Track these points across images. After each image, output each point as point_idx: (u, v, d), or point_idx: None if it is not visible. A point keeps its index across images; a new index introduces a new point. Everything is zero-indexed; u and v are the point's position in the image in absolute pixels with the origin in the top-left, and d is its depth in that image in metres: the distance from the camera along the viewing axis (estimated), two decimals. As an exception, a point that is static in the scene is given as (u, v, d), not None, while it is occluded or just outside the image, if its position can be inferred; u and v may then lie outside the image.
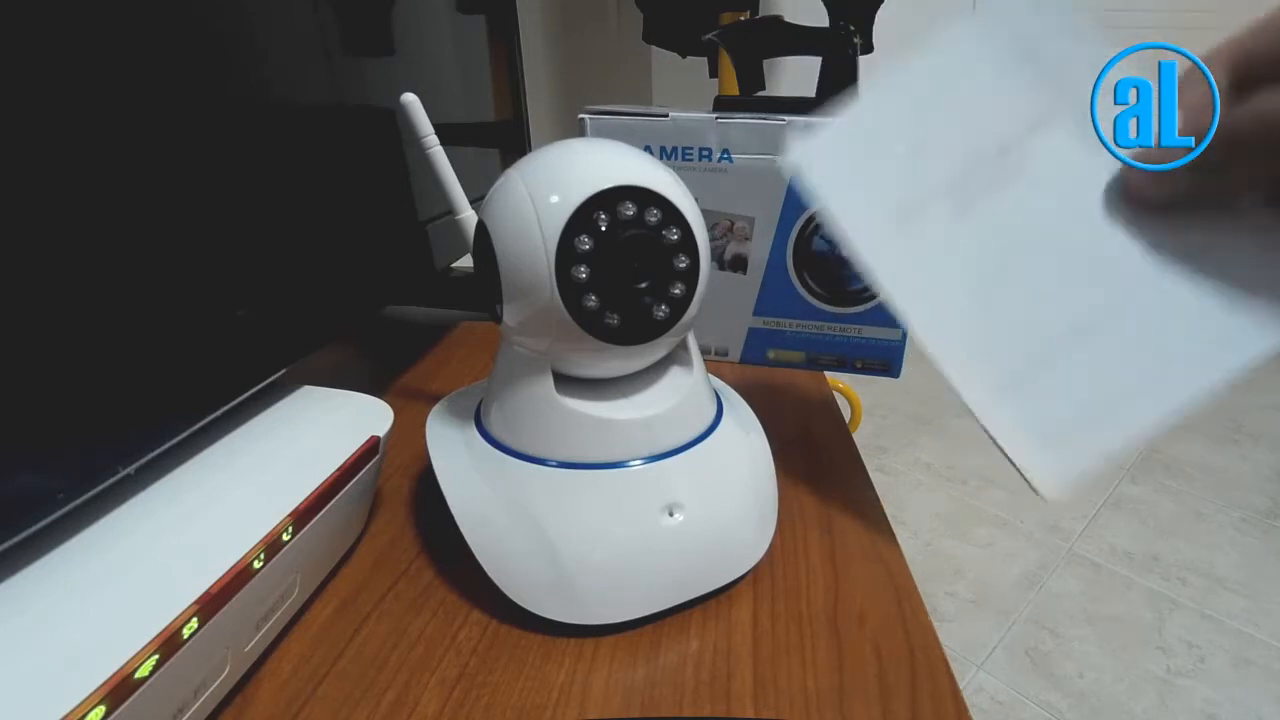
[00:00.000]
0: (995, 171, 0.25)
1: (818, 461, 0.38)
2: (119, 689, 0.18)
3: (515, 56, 0.60)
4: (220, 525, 0.24)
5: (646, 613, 0.27)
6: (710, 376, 0.33)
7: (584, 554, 0.27)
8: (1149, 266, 0.24)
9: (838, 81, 0.59)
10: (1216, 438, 1.49)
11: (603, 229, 0.25)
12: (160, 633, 0.20)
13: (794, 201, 0.43)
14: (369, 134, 0.40)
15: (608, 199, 0.25)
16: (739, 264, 0.45)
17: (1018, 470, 0.23)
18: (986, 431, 0.24)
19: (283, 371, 0.32)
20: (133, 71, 0.25)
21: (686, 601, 0.28)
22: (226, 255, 0.30)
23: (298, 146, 0.35)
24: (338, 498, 0.28)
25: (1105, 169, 0.24)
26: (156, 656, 0.19)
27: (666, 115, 0.42)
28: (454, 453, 0.30)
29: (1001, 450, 0.24)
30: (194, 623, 0.21)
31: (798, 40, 0.66)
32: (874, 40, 1.11)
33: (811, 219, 0.43)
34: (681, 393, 0.29)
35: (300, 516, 0.26)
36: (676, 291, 0.26)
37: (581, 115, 0.43)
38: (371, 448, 0.30)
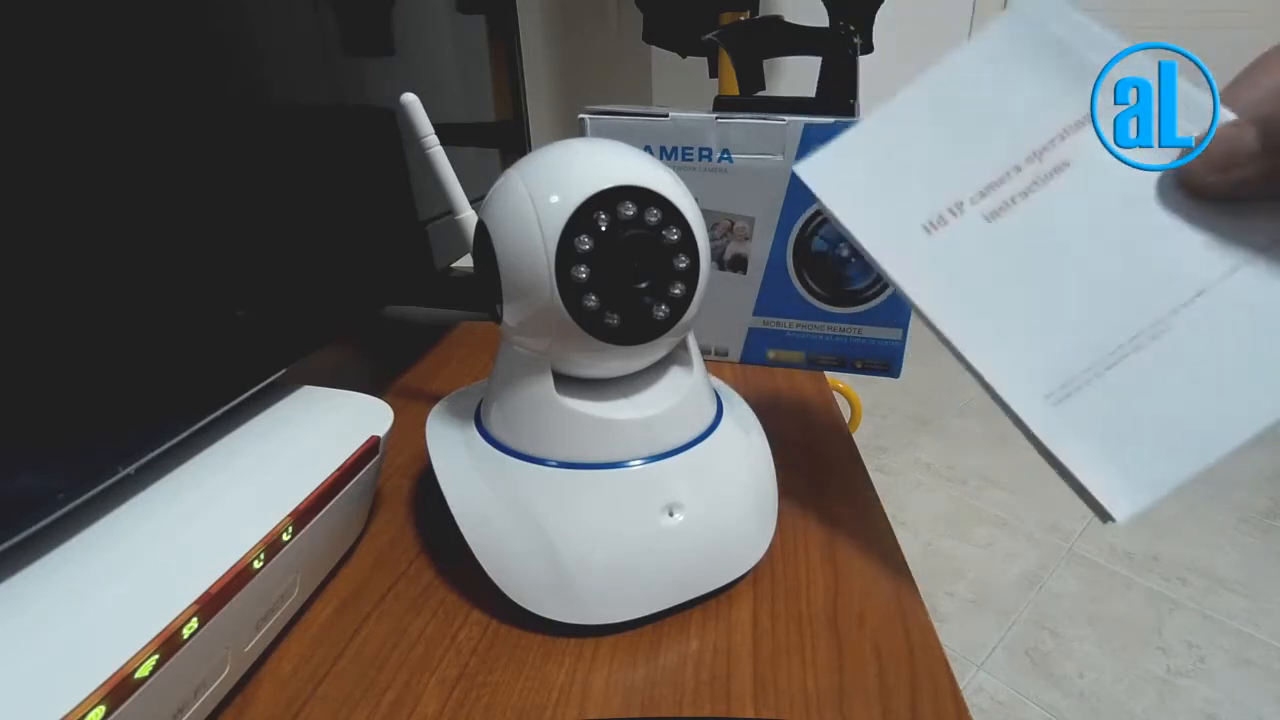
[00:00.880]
0: (1033, 172, 0.24)
1: (818, 461, 0.38)
2: (119, 689, 0.18)
3: (515, 56, 0.60)
4: (220, 525, 0.24)
5: (646, 613, 0.27)
6: (710, 376, 0.33)
7: (584, 554, 0.27)
8: (1213, 266, 0.22)
9: (838, 82, 0.59)
10: (1216, 438, 1.49)
11: (603, 229, 0.25)
12: (160, 633, 0.20)
13: (794, 201, 0.43)
14: (369, 134, 0.40)
15: (608, 199, 0.25)
16: (739, 264, 0.45)
17: (1083, 490, 0.21)
18: (1045, 449, 0.22)
19: (283, 371, 0.32)
20: (133, 71, 0.25)
21: (686, 601, 0.28)
22: (226, 255, 0.30)
23: (298, 146, 0.35)
24: (338, 498, 0.28)
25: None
26: (156, 656, 0.19)
27: (666, 115, 0.42)
28: (454, 453, 0.30)
29: (1062, 469, 0.22)
30: (194, 623, 0.21)
31: (798, 40, 0.66)
32: (874, 40, 1.12)
33: (811, 219, 0.43)
34: (681, 393, 0.29)
35: (300, 516, 0.26)
36: (676, 291, 0.26)
37: (581, 115, 0.43)
38: (371, 448, 0.30)
